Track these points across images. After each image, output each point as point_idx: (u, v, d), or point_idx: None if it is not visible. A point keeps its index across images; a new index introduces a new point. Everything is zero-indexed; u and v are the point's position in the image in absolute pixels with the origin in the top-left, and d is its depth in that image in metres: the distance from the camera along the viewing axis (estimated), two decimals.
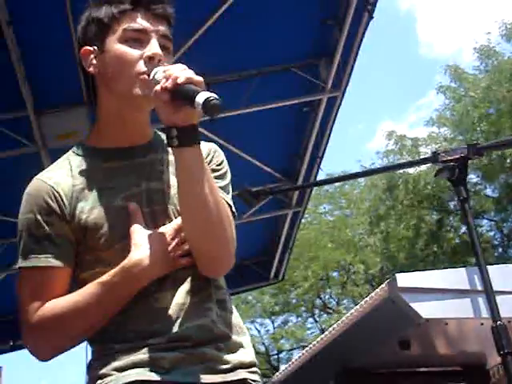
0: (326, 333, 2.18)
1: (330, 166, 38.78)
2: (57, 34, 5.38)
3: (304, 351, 2.34)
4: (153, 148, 1.72)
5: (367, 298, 1.95)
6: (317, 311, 24.21)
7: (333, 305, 24.31)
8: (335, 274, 23.89)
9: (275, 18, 5.95)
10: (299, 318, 24.20)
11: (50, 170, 1.70)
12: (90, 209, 1.61)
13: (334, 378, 2.18)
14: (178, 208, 1.62)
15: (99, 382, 1.54)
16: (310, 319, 24.19)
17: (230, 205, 1.68)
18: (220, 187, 1.67)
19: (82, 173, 1.66)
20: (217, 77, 6.31)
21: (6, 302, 8.44)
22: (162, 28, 1.66)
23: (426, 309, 1.79)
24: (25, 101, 5.61)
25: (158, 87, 1.49)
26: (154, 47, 1.62)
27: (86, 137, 1.77)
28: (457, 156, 1.95)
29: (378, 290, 1.89)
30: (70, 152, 1.74)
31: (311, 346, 2.29)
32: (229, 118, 6.43)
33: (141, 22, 1.64)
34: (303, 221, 12.47)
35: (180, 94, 1.46)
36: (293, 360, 2.42)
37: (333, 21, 6.17)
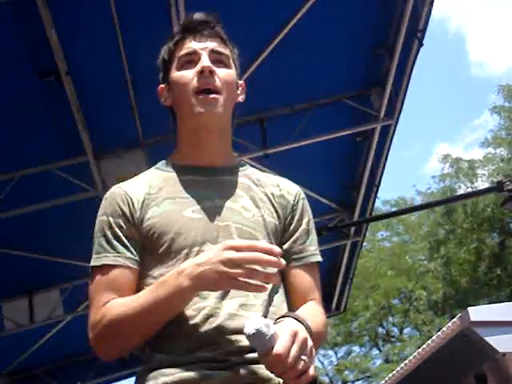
0: (398, 368, 2.14)
1: (385, 191, 38.42)
2: (112, 81, 5.54)
3: (384, 381, 2.31)
4: (231, 171, 1.77)
5: (439, 333, 1.91)
6: (380, 340, 23.81)
7: (395, 333, 23.88)
8: (396, 301, 23.51)
9: (325, 49, 5.98)
10: (362, 348, 23.85)
11: (129, 181, 1.77)
12: (159, 214, 1.64)
13: None
14: (249, 230, 1.66)
15: None
16: (374, 349, 23.80)
17: (319, 261, 1.77)
18: (312, 250, 1.76)
19: (158, 183, 1.71)
20: (270, 111, 6.37)
21: (73, 346, 8.59)
22: (212, 44, 1.75)
23: (501, 342, 1.74)
24: (84, 147, 5.75)
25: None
26: (204, 61, 1.71)
27: (167, 157, 1.83)
28: None
29: (449, 324, 1.85)
30: (152, 168, 1.81)
31: (386, 379, 2.26)
32: (284, 151, 6.47)
33: (190, 45, 1.74)
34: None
35: None
36: None
37: (383, 49, 6.18)
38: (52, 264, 6.98)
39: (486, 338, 1.75)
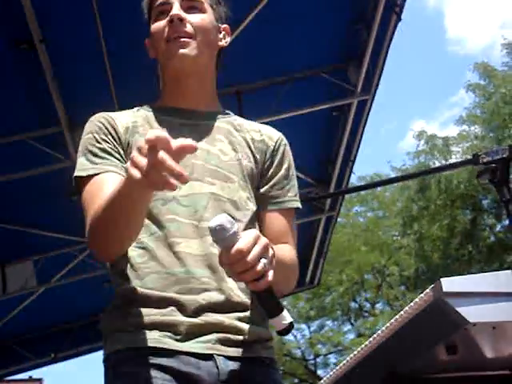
0: (371, 339, 2.17)
1: (361, 167, 38.60)
2: (87, 50, 5.46)
3: (349, 358, 2.33)
4: (212, 116, 1.80)
5: (411, 304, 1.93)
6: (352, 315, 24.08)
7: (368, 308, 24.16)
8: (369, 276, 23.75)
9: (302, 23, 5.95)
10: (335, 322, 24.12)
11: (112, 112, 1.80)
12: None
13: (380, 383, 2.17)
14: (226, 173, 1.68)
15: (117, 334, 1.55)
16: (346, 323, 24.08)
17: (298, 207, 1.79)
18: (290, 196, 1.78)
19: (142, 118, 1.76)
20: (247, 85, 6.34)
21: (47, 317, 8.58)
22: None
23: (472, 313, 1.77)
24: (59, 117, 5.69)
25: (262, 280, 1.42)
26: (174, 9, 1.73)
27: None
28: (498, 157, 1.94)
29: (422, 294, 1.88)
30: (138, 107, 1.84)
31: (356, 352, 2.28)
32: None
33: None
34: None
35: (263, 296, 1.46)
36: (337, 367, 2.41)
37: (361, 24, 6.16)
38: (25, 235, 6.94)
39: (457, 309, 1.78)
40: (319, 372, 23.30)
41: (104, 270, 7.80)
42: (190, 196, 1.63)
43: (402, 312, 1.95)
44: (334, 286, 22.32)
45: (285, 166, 1.81)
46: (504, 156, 1.94)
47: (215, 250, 1.54)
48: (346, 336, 23.67)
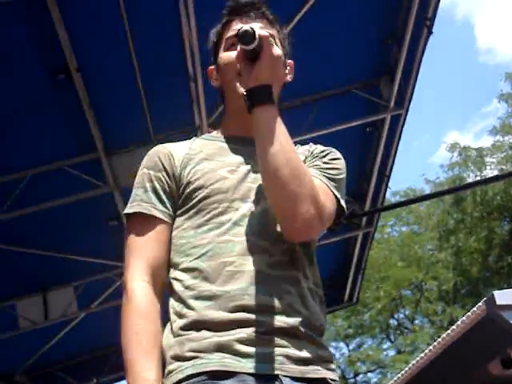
0: (422, 355, 2.14)
1: (394, 181, 38.32)
2: (122, 77, 5.55)
3: (402, 373, 2.31)
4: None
5: (463, 318, 1.91)
6: (392, 332, 23.81)
7: (407, 324, 23.87)
8: (407, 292, 23.49)
9: (334, 40, 5.97)
10: (374, 340, 23.85)
11: (171, 143, 1.81)
12: (196, 170, 1.69)
13: None
14: None
15: (177, 364, 1.53)
16: (386, 340, 23.80)
17: (335, 195, 1.66)
18: (328, 178, 1.68)
19: (197, 146, 1.76)
20: (281, 103, 6.35)
21: (88, 342, 8.65)
22: (258, 25, 1.75)
23: None
24: (96, 143, 5.77)
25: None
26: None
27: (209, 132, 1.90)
28: None
29: (475, 308, 1.85)
30: (195, 137, 1.85)
31: (407, 368, 2.26)
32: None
33: (236, 27, 1.74)
34: None
35: (244, 52, 1.61)
36: (391, 381, 2.38)
37: (392, 39, 6.16)
38: (65, 261, 7.01)
39: (511, 321, 1.75)
40: None
41: None
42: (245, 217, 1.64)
43: (453, 326, 1.93)
44: (372, 302, 22.11)
45: (326, 158, 1.76)
46: None
47: (271, 271, 1.56)
48: (386, 353, 23.40)
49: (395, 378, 2.16)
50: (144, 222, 1.67)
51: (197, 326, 1.54)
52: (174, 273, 1.64)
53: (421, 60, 6.24)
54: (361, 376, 23.60)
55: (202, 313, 1.55)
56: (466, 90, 42.42)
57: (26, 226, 6.42)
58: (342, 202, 1.69)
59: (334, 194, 1.66)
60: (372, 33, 6.18)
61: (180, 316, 1.57)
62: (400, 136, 7.09)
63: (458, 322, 1.81)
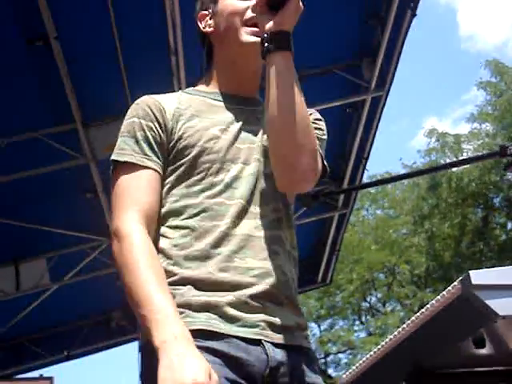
0: (396, 333, 2.15)
1: (371, 165, 38.52)
2: (101, 47, 5.47)
3: (373, 351, 2.32)
4: (256, 103, 1.80)
5: (438, 297, 1.91)
6: (363, 314, 24.04)
7: (379, 306, 24.10)
8: (380, 275, 23.69)
9: (315, 20, 5.91)
10: (346, 321, 24.06)
11: (158, 95, 1.77)
12: (187, 127, 1.67)
13: (405, 378, 2.15)
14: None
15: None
16: (357, 322, 24.03)
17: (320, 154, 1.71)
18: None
19: (187, 101, 1.74)
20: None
21: (59, 314, 8.60)
22: None
23: (501, 306, 1.75)
24: (73, 114, 5.69)
25: None
26: None
27: (193, 85, 1.86)
28: None
29: (450, 287, 1.86)
30: (180, 91, 1.83)
31: (380, 346, 2.27)
32: None
33: None
34: None
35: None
36: (361, 361, 2.39)
37: (374, 20, 6.13)
38: (39, 232, 6.93)
39: (486, 302, 1.76)
40: (330, 371, 23.29)
41: (116, 268, 7.79)
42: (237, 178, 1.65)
43: (428, 305, 1.93)
44: (345, 284, 22.27)
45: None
46: None
47: (259, 233, 1.58)
48: (357, 335, 23.63)
49: (364, 358, 2.17)
50: (136, 171, 1.63)
51: (185, 283, 1.54)
52: (161, 229, 1.62)
53: (403, 42, 6.23)
54: (331, 357, 23.83)
55: (191, 271, 1.55)
56: (447, 76, 42.61)
57: None
58: (325, 162, 1.75)
59: (320, 153, 1.70)
60: (355, 13, 6.15)
61: (167, 272, 1.56)
62: (380, 118, 7.09)
63: (433, 301, 1.82)
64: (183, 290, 1.54)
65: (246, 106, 1.76)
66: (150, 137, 1.65)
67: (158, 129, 1.67)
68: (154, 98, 1.72)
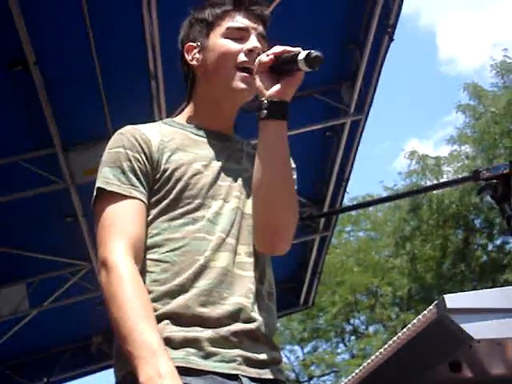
0: (373, 357, 2.15)
1: (354, 187, 38.63)
2: (81, 71, 5.48)
3: (351, 376, 2.32)
4: (234, 140, 1.83)
5: (415, 321, 1.92)
6: (346, 336, 23.98)
7: (362, 328, 24.07)
8: (363, 297, 23.69)
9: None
10: (329, 344, 23.98)
11: (140, 125, 1.77)
12: (173, 161, 1.67)
13: None
14: (248, 190, 1.70)
15: None
16: (340, 344, 23.96)
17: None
18: None
19: (170, 134, 1.74)
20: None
21: (39, 340, 8.50)
22: (260, 27, 1.81)
23: (477, 329, 1.75)
24: (53, 139, 5.67)
25: (262, 55, 1.63)
26: (254, 41, 1.76)
27: (175, 118, 1.85)
28: (499, 173, 1.94)
29: (425, 311, 1.87)
30: (159, 122, 1.83)
31: (356, 372, 2.27)
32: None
33: (242, 21, 1.78)
34: None
35: (281, 61, 1.61)
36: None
37: (353, 45, 6.20)
38: (18, 258, 6.88)
39: (461, 325, 1.77)
40: None
41: (97, 293, 7.74)
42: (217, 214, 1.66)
43: (404, 330, 1.94)
44: (327, 307, 22.23)
45: None
46: (505, 172, 1.94)
47: (238, 270, 1.61)
48: (340, 357, 23.54)
49: (344, 381, 2.16)
50: (122, 201, 1.62)
51: (164, 318, 1.55)
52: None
53: (381, 66, 6.30)
54: (315, 379, 23.71)
55: (169, 306, 1.56)
56: (428, 99, 43.06)
57: None
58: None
59: None
60: (335, 37, 6.21)
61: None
62: (359, 141, 7.15)
63: (409, 325, 1.82)
64: (162, 326, 1.53)
65: (225, 142, 1.78)
66: (137, 168, 1.65)
67: (144, 160, 1.66)
68: (138, 129, 1.72)
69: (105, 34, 5.16)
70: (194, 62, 1.80)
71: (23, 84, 5.22)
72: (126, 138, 1.69)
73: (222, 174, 1.70)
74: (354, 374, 2.31)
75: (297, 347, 23.98)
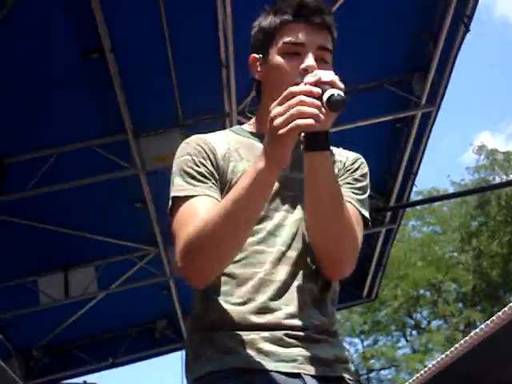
0: (452, 349, 2.13)
1: (419, 179, 37.96)
2: (154, 60, 5.55)
3: (427, 367, 2.29)
4: (298, 147, 1.72)
5: (493, 317, 1.89)
6: (407, 330, 23.72)
7: (423, 324, 23.76)
8: (425, 292, 23.36)
9: (367, 35, 5.91)
10: (389, 338, 23.77)
11: (207, 134, 1.76)
12: (239, 170, 1.67)
13: None
14: None
15: (204, 359, 1.57)
16: (401, 339, 23.72)
17: (364, 216, 1.71)
18: (358, 200, 1.72)
19: (234, 143, 1.74)
20: None
21: (106, 322, 8.71)
22: (320, 40, 1.71)
23: None
24: (125, 125, 5.78)
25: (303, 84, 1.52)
26: (308, 61, 1.68)
27: (243, 126, 1.85)
28: None
29: (500, 313, 1.84)
30: (226, 130, 1.83)
31: (434, 363, 2.24)
32: None
33: (299, 36, 1.70)
34: None
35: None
36: (414, 377, 2.36)
37: (427, 35, 6.09)
38: (88, 241, 7.05)
39: None
40: None
41: (163, 278, 7.88)
42: (279, 226, 1.65)
43: (482, 326, 1.90)
44: (389, 300, 22.04)
45: (353, 168, 1.78)
46: None
47: (297, 282, 1.61)
48: (401, 351, 23.31)
49: (414, 378, 2.12)
50: (195, 200, 1.62)
51: (219, 327, 1.58)
52: None
53: (455, 58, 6.17)
54: (374, 373, 23.56)
55: (226, 317, 1.59)
56: (502, 91, 41.83)
57: (51, 203, 6.46)
58: (368, 216, 1.74)
59: (363, 216, 1.71)
60: (407, 27, 6.11)
61: (206, 315, 1.62)
62: (429, 134, 7.02)
63: (487, 322, 1.78)
64: (220, 333, 1.57)
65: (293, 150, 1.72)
66: (205, 171, 1.66)
67: (211, 166, 1.67)
68: (203, 138, 1.72)
69: (178, 22, 5.21)
70: (257, 76, 1.78)
71: (98, 71, 5.32)
72: (191, 147, 1.69)
73: (287, 184, 1.67)
74: (428, 368, 2.28)
75: (357, 340, 23.89)
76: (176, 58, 5.47)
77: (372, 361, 23.27)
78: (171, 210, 1.66)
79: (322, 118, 1.42)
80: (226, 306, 1.59)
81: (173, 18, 5.15)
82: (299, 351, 1.55)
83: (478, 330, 1.78)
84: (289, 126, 1.42)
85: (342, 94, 1.42)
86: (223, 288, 1.61)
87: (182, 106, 5.97)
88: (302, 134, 1.53)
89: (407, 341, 23.47)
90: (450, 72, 6.29)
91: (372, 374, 23.54)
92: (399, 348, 23.47)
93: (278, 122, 1.44)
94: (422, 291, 23.14)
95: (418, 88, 6.51)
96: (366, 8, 5.73)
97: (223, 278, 1.62)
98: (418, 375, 2.20)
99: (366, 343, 23.85)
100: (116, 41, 5.10)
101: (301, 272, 1.62)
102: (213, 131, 1.82)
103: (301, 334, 1.57)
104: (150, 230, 7.03)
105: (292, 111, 1.42)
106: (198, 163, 1.66)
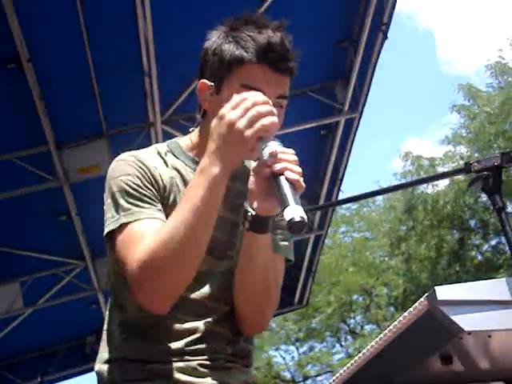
0: (364, 351, 2.14)
1: (349, 187, 38.66)
2: (75, 69, 5.46)
3: (342, 370, 2.31)
4: (238, 178, 1.68)
5: (405, 314, 1.91)
6: (342, 336, 23.98)
7: (357, 329, 24.06)
8: (358, 297, 23.69)
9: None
10: (324, 344, 23.98)
11: (141, 152, 1.67)
12: (174, 199, 1.62)
13: None
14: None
15: None
16: (336, 344, 23.95)
17: (288, 259, 1.72)
18: (286, 246, 1.72)
19: (178, 171, 1.65)
20: None
21: (33, 339, 8.48)
22: (281, 89, 1.65)
23: (467, 321, 1.75)
24: (46, 136, 5.66)
25: (264, 166, 1.49)
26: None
27: (181, 142, 1.73)
28: (490, 165, 1.93)
29: (416, 304, 1.86)
30: (164, 147, 1.71)
31: (349, 365, 2.26)
32: None
33: (259, 83, 1.59)
34: None
35: (276, 187, 1.46)
36: (330, 380, 2.38)
37: (348, 43, 6.20)
38: (12, 256, 6.86)
39: (452, 317, 1.76)
40: None
41: (91, 292, 7.74)
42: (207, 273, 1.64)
43: (395, 323, 1.93)
44: (322, 307, 22.23)
45: None
46: (496, 163, 1.93)
47: (215, 327, 1.63)
48: (336, 357, 23.54)
49: (333, 378, 2.15)
50: (145, 221, 1.54)
51: (126, 360, 1.62)
52: (123, 312, 1.66)
53: (375, 65, 6.31)
54: (310, 380, 23.69)
55: (142, 351, 1.60)
56: (428, 98, 43.12)
57: None
58: (292, 258, 1.74)
59: (287, 255, 1.72)
60: (329, 35, 6.21)
61: (119, 348, 1.66)
62: (353, 139, 7.15)
63: (400, 318, 1.81)
64: (133, 365, 1.59)
65: (230, 181, 1.59)
66: (151, 195, 1.58)
67: (156, 192, 1.60)
68: (142, 160, 1.63)
69: (98, 31, 5.15)
70: (205, 105, 1.65)
71: (17, 82, 5.20)
72: (130, 166, 1.60)
73: (219, 222, 1.57)
74: (345, 369, 2.31)
75: (292, 347, 23.97)
76: (97, 68, 5.40)
77: (308, 367, 23.41)
78: (113, 233, 1.55)
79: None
80: (137, 341, 1.61)
81: (93, 28, 5.09)
82: (210, 381, 1.58)
83: (391, 326, 1.81)
84: (256, 127, 1.42)
85: (301, 219, 1.38)
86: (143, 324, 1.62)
87: (106, 116, 5.89)
88: (249, 213, 1.52)
89: (342, 346, 23.73)
90: (371, 79, 6.43)
91: (308, 381, 23.68)
92: (334, 354, 23.69)
93: (241, 124, 1.41)
94: (354, 297, 23.44)
95: (340, 95, 6.63)
96: (286, 17, 5.78)
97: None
98: (337, 375, 2.23)
99: (301, 350, 23.98)
100: (34, 50, 4.99)
101: (217, 320, 1.63)
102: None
103: (212, 364, 1.60)
104: (76, 244, 6.90)
105: (251, 112, 1.42)
106: (143, 186, 1.58)
